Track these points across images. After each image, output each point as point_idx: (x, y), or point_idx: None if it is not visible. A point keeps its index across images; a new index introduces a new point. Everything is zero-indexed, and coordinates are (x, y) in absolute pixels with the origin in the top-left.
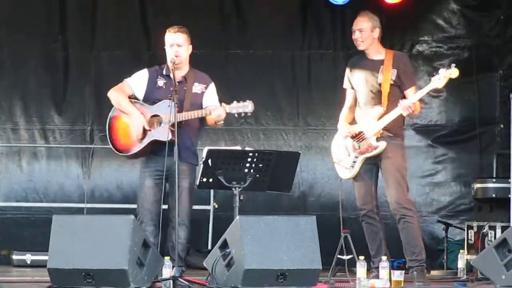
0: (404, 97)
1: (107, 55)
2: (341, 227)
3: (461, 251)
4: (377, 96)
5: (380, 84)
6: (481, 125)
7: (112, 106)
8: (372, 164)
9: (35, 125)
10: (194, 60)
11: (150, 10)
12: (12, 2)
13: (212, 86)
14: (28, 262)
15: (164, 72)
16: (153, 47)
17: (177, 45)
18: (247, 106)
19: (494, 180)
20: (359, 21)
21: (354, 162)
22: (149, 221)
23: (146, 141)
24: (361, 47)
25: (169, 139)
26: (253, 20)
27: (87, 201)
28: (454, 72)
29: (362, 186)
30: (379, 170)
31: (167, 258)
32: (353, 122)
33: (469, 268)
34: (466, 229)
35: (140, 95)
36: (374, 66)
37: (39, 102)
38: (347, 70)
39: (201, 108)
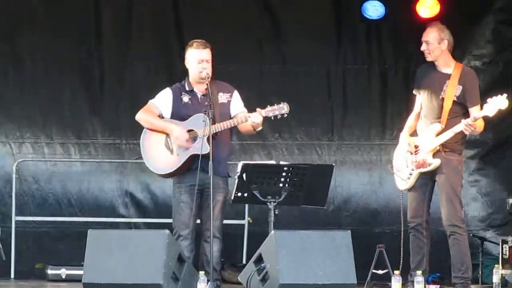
0: (466, 113)
1: (142, 68)
2: (402, 240)
3: (496, 265)
4: (438, 110)
5: (442, 99)
6: None
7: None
8: (428, 179)
9: (70, 139)
10: (229, 75)
11: (185, 23)
12: (47, 15)
13: (236, 93)
14: (63, 276)
15: (187, 88)
16: None
17: (206, 61)
18: (283, 108)
19: None
20: (427, 33)
21: (410, 174)
22: (186, 236)
23: (184, 157)
24: (429, 58)
25: (208, 151)
26: (287, 35)
27: (121, 215)
28: (503, 104)
29: (415, 199)
30: (435, 185)
31: (201, 272)
32: (414, 132)
33: (504, 282)
34: (500, 243)
35: (167, 114)
36: (441, 79)
37: (74, 116)
38: (417, 78)
39: (230, 117)
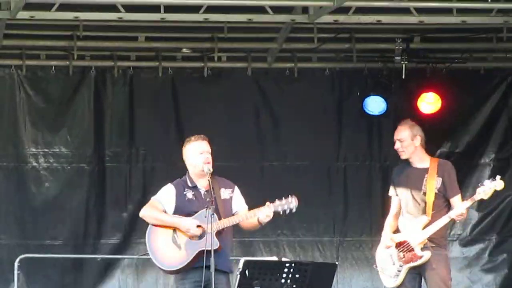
0: (449, 205)
1: (143, 168)
2: None
3: None
4: (421, 205)
5: (424, 193)
6: None
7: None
8: (416, 274)
9: (72, 241)
10: (229, 172)
11: (186, 124)
12: (48, 116)
13: (237, 189)
14: None
15: (189, 184)
16: None
17: (207, 152)
18: (291, 202)
19: None
20: (399, 131)
21: (399, 271)
22: None
23: (193, 253)
24: (403, 156)
25: (217, 247)
26: (287, 130)
27: None
28: (499, 184)
29: None
30: (422, 280)
31: None
32: (396, 230)
33: None
34: None
35: (170, 210)
36: (419, 175)
37: (76, 218)
38: (392, 178)
39: (231, 213)
